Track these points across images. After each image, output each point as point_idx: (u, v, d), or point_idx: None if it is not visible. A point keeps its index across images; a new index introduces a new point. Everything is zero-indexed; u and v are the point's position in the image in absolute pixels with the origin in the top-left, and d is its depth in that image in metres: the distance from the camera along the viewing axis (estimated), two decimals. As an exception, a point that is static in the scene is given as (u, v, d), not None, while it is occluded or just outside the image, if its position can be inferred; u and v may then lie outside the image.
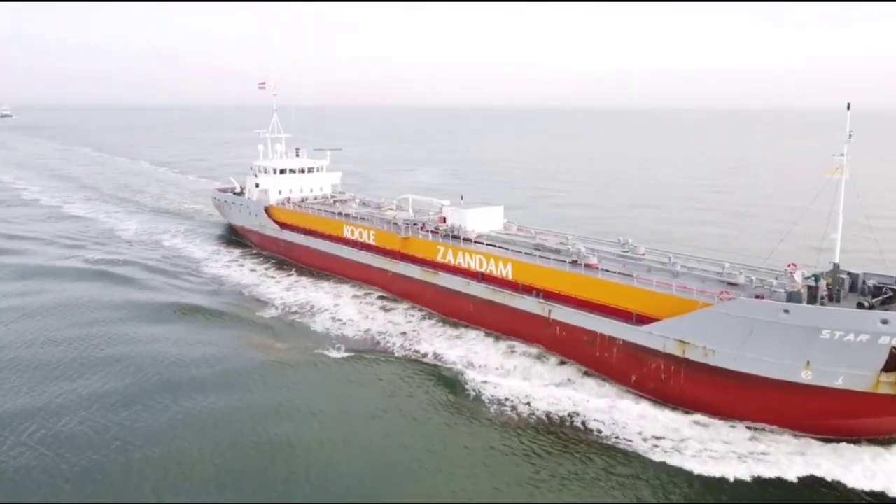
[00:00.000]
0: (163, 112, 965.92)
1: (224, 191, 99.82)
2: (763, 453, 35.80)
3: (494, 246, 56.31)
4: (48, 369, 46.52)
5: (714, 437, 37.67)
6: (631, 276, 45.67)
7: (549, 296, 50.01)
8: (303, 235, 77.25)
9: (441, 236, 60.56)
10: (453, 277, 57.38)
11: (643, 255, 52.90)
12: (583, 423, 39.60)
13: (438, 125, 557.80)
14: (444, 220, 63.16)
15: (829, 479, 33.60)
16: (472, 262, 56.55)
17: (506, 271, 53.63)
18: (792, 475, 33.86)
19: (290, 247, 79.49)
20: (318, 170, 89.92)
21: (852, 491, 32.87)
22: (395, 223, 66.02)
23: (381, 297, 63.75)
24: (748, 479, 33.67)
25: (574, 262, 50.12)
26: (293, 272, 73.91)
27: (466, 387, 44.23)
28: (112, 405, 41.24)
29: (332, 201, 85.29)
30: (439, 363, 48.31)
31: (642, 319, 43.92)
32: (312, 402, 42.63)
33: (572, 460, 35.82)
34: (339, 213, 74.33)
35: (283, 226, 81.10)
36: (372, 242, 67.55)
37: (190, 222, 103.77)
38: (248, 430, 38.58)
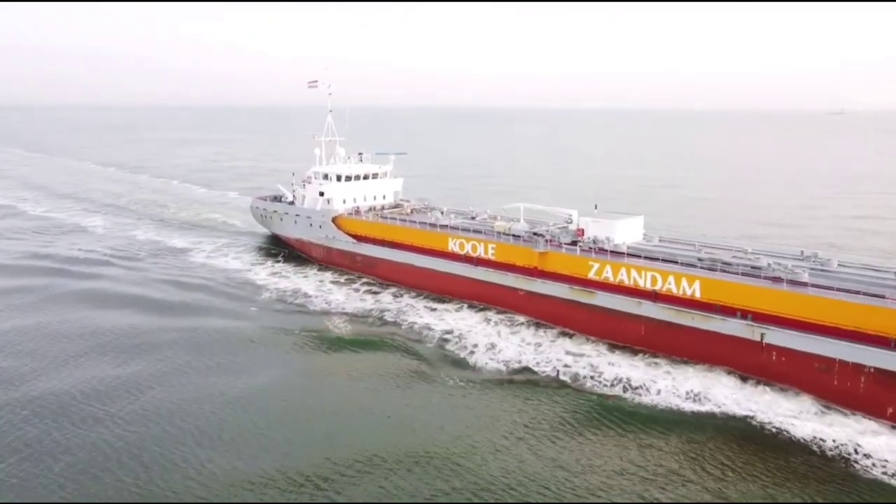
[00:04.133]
0: (99, 112, 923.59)
1: (264, 199, 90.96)
2: None
3: (675, 262, 50.84)
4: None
5: None
6: (882, 296, 41.14)
7: (759, 317, 45.05)
8: (388, 249, 69.86)
9: (594, 251, 54.73)
10: (616, 297, 51.77)
11: (837, 268, 48.78)
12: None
13: (399, 126, 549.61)
14: (583, 231, 57.50)
15: None
16: (642, 280, 51.00)
17: (692, 290, 48.32)
18: None
19: (371, 262, 71.88)
20: (381, 175, 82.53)
21: None
22: (524, 236, 59.89)
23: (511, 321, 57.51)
24: None
25: (778, 279, 45.40)
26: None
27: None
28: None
29: (408, 210, 78.04)
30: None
31: (900, 344, 39.48)
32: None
33: None
34: (441, 225, 67.27)
35: (359, 238, 73.36)
36: (491, 257, 61.03)
37: (224, 234, 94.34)
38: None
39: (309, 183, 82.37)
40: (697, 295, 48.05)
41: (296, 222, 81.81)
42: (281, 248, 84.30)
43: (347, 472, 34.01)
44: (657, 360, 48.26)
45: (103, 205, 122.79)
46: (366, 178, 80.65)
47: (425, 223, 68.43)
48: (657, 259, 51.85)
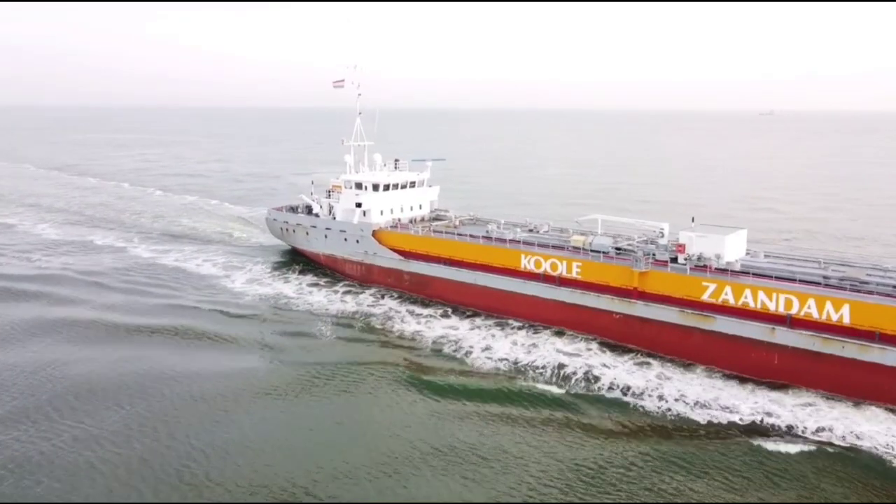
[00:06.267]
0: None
1: (280, 209, 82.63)
2: None
3: (816, 283, 45.34)
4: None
5: None
6: None
7: None
8: (444, 267, 62.77)
9: (709, 271, 48.86)
10: (741, 322, 46.12)
11: None
12: None
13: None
14: (684, 247, 51.63)
15: None
16: (772, 303, 45.36)
17: (838, 314, 42.85)
18: None
19: (423, 281, 64.64)
20: (419, 184, 75.33)
21: None
22: (611, 252, 53.88)
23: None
24: None
25: None
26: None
27: None
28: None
29: (456, 222, 71.02)
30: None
31: None
32: None
33: None
34: (512, 240, 60.38)
35: (406, 254, 66.03)
36: (576, 277, 54.68)
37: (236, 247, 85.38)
38: None
39: (339, 192, 74.63)
40: (846, 320, 42.66)
41: (326, 236, 73.87)
42: (307, 264, 76.26)
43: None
44: (649, 361, 48.46)
45: (56, 210, 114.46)
46: (403, 186, 73.38)
47: (489, 238, 61.57)
48: (788, 279, 46.34)
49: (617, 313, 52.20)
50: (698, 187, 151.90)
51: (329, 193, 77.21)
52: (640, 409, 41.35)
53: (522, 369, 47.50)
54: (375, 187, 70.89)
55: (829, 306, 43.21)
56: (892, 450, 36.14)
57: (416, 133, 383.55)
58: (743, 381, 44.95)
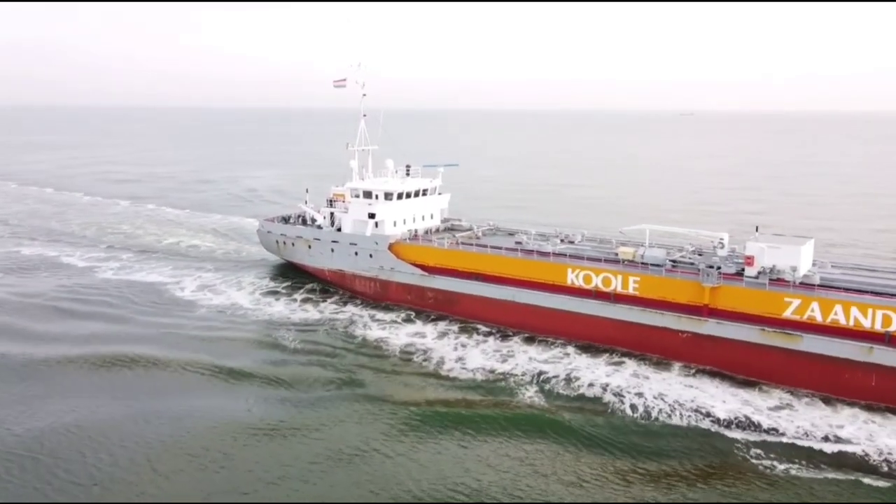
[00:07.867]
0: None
1: (272, 220, 75.47)
2: None
3: None
4: None
5: None
6: None
7: None
8: (476, 283, 57.37)
9: (792, 286, 45.11)
10: (832, 341, 42.54)
11: None
12: None
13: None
14: (752, 259, 47.82)
15: None
16: (867, 320, 41.91)
17: (950, 332, 39.75)
18: None
19: (450, 298, 58.97)
20: (431, 192, 69.64)
21: None
22: (666, 265, 49.92)
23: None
24: None
25: None
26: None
27: None
28: None
29: (478, 233, 65.69)
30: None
31: None
32: None
33: None
34: (556, 253, 55.44)
35: (430, 270, 60.25)
36: (634, 293, 50.24)
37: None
38: None
39: (343, 201, 68.18)
40: None
41: (333, 250, 67.22)
42: (306, 281, 69.42)
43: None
44: (624, 360, 48.41)
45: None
46: (416, 195, 67.57)
47: (529, 251, 56.46)
48: (880, 293, 43.03)
49: (684, 332, 48.00)
50: (631, 185, 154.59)
51: (331, 202, 70.69)
52: (624, 412, 40.60)
53: (501, 378, 45.57)
54: (388, 196, 64.78)
55: None
56: (874, 446, 36.32)
57: (406, 134, 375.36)
58: (714, 376, 45.34)
